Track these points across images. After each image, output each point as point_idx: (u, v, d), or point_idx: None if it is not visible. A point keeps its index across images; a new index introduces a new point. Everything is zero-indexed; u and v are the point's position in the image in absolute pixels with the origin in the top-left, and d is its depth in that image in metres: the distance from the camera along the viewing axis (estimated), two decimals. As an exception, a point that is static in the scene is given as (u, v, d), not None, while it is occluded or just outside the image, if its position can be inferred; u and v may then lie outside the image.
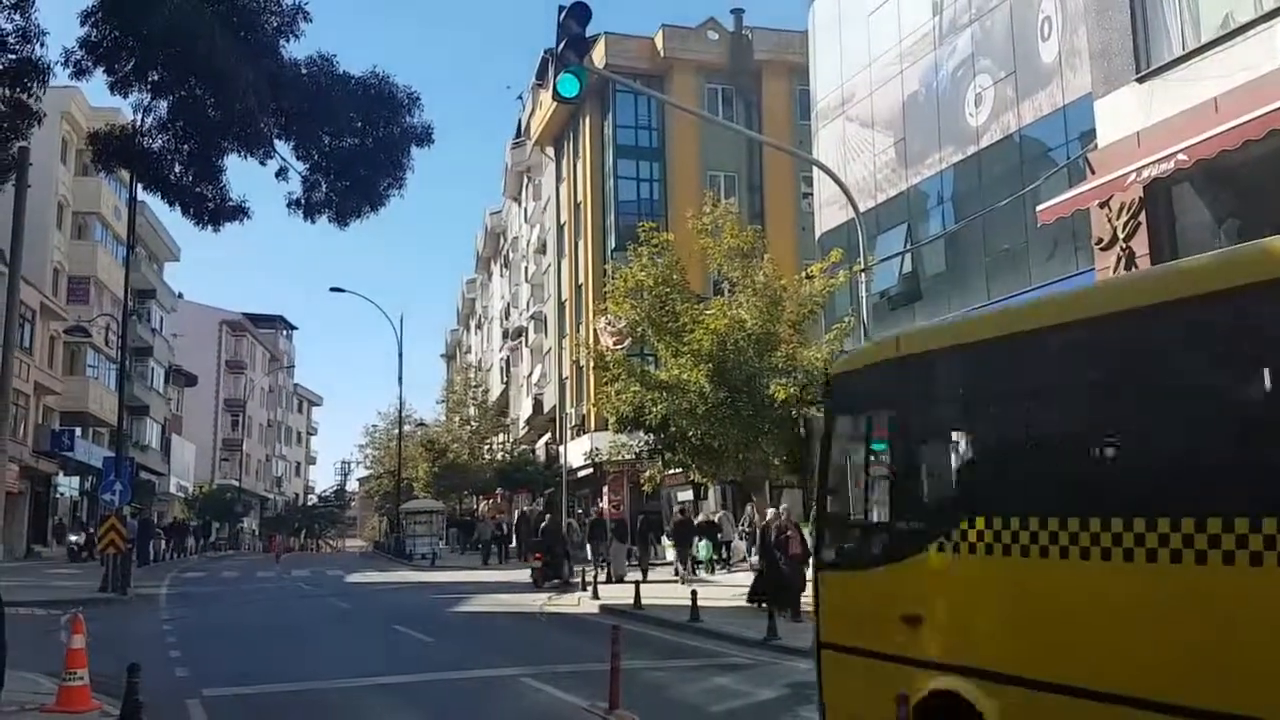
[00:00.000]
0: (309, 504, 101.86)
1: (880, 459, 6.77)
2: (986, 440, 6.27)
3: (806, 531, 15.53)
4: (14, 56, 12.20)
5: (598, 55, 38.78)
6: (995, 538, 5.55)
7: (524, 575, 28.21)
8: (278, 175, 13.83)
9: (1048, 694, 5.14)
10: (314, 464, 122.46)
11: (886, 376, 6.70)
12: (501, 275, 68.08)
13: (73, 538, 41.20)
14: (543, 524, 28.36)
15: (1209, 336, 4.82)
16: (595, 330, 32.87)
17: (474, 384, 62.59)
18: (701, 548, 27.38)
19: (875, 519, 6.86)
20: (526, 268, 57.19)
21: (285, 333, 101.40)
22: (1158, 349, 5.07)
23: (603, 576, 24.99)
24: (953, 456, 6.49)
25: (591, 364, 26.57)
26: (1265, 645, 4.16)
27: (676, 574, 26.19)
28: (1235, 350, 4.74)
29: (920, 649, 5.99)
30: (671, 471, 25.23)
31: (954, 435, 6.48)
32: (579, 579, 24.09)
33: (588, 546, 29.28)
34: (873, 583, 6.51)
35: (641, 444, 23.36)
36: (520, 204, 60.43)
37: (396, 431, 56.33)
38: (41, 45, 12.25)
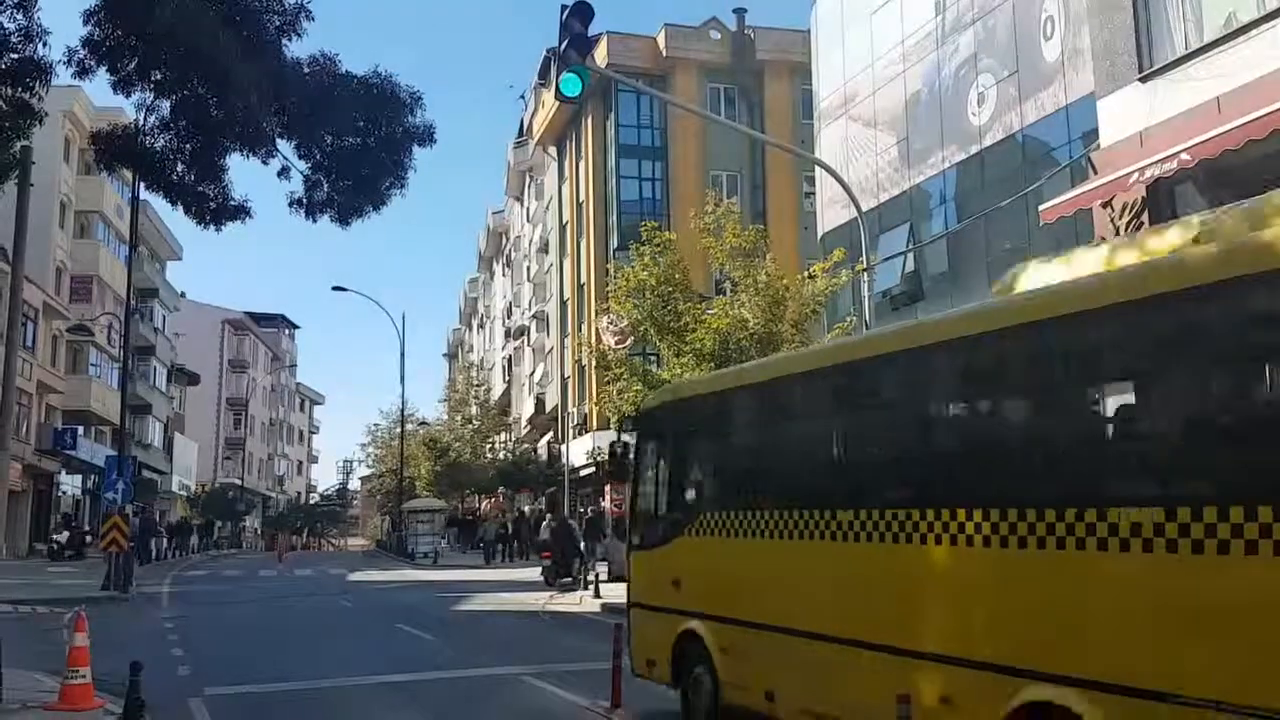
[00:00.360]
0: (311, 503, 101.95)
1: (663, 471, 9.77)
2: (708, 459, 9.54)
3: None
4: (16, 56, 12.19)
5: (600, 55, 38.75)
6: (713, 525, 8.67)
7: (524, 574, 28.21)
8: (280, 174, 13.79)
9: (734, 626, 8.12)
10: (316, 463, 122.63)
11: (667, 413, 10.03)
12: (504, 274, 68.09)
13: (55, 536, 39.88)
14: (544, 523, 28.37)
15: (797, 406, 8.26)
16: (597, 329, 32.86)
17: (476, 383, 62.61)
18: None
19: (659, 514, 9.73)
20: (529, 267, 57.21)
21: (287, 331, 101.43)
22: (772, 412, 8.57)
23: (603, 574, 24.99)
24: (694, 471, 9.67)
25: (594, 363, 26.58)
26: (815, 580, 7.31)
27: None
28: (802, 414, 8.23)
29: (680, 603, 8.89)
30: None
31: (696, 456, 9.69)
32: (582, 577, 24.15)
33: (582, 544, 29.27)
34: (657, 558, 9.45)
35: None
36: (522, 203, 60.45)
37: (398, 430, 56.36)
38: (44, 44, 12.23)
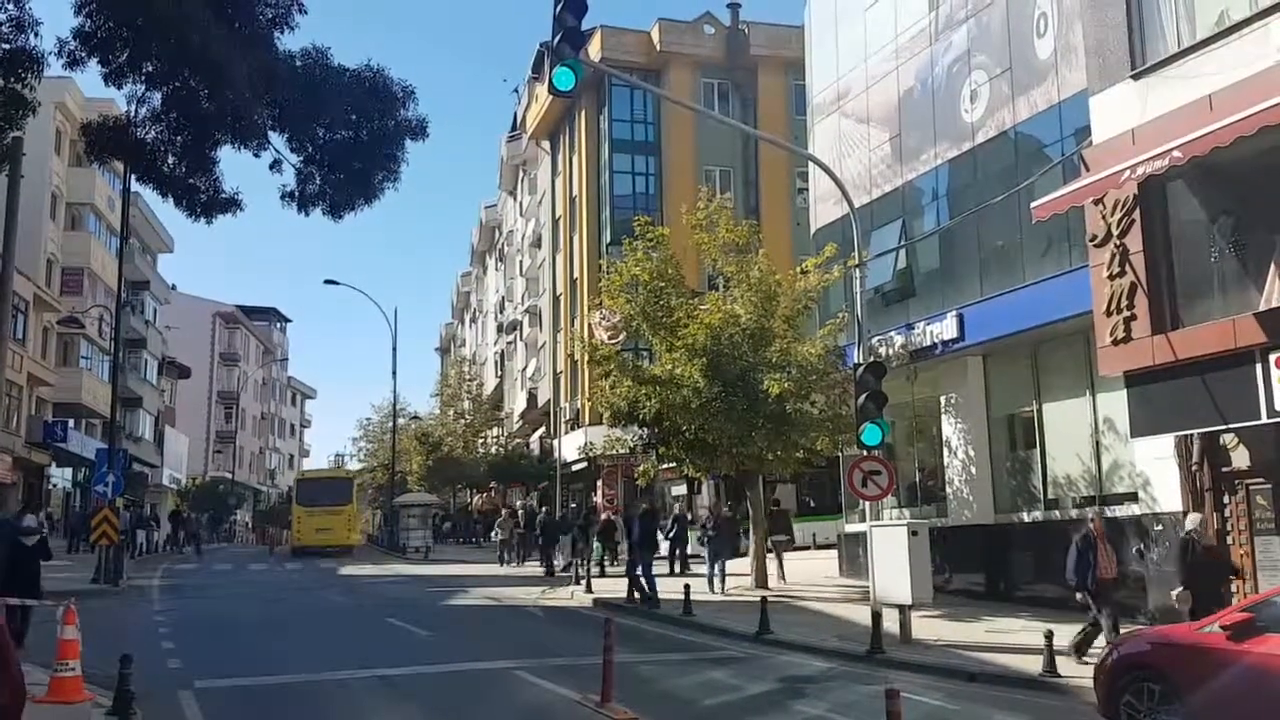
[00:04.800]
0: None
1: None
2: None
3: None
4: (8, 47, 12.15)
5: (594, 49, 38.72)
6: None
7: (525, 571, 28.06)
8: (271, 167, 13.78)
9: (294, 529, 44.45)
10: (308, 456, 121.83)
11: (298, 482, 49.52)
12: (496, 269, 67.96)
13: None
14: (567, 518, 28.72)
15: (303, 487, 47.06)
16: (590, 324, 32.84)
17: (468, 378, 62.53)
18: (595, 548, 27.31)
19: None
20: (521, 261, 57.10)
21: (279, 325, 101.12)
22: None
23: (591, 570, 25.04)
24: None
25: (586, 358, 26.56)
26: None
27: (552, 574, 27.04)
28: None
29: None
30: (665, 466, 25.26)
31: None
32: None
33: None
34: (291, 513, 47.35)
35: (635, 438, 23.35)
36: (515, 198, 60.33)
37: (390, 425, 56.29)
38: (35, 35, 12.20)
